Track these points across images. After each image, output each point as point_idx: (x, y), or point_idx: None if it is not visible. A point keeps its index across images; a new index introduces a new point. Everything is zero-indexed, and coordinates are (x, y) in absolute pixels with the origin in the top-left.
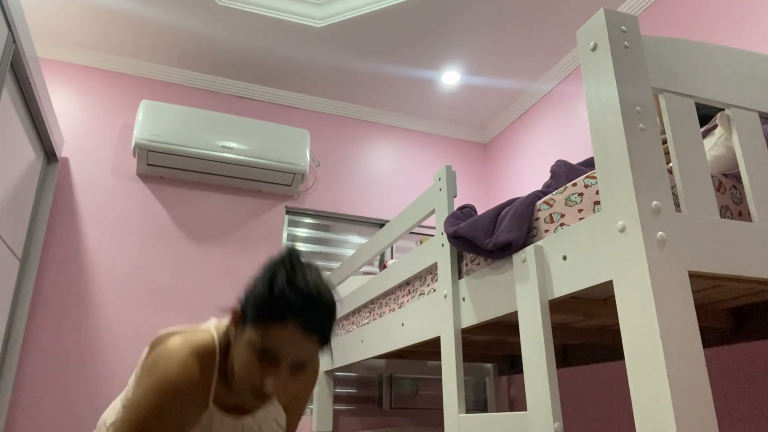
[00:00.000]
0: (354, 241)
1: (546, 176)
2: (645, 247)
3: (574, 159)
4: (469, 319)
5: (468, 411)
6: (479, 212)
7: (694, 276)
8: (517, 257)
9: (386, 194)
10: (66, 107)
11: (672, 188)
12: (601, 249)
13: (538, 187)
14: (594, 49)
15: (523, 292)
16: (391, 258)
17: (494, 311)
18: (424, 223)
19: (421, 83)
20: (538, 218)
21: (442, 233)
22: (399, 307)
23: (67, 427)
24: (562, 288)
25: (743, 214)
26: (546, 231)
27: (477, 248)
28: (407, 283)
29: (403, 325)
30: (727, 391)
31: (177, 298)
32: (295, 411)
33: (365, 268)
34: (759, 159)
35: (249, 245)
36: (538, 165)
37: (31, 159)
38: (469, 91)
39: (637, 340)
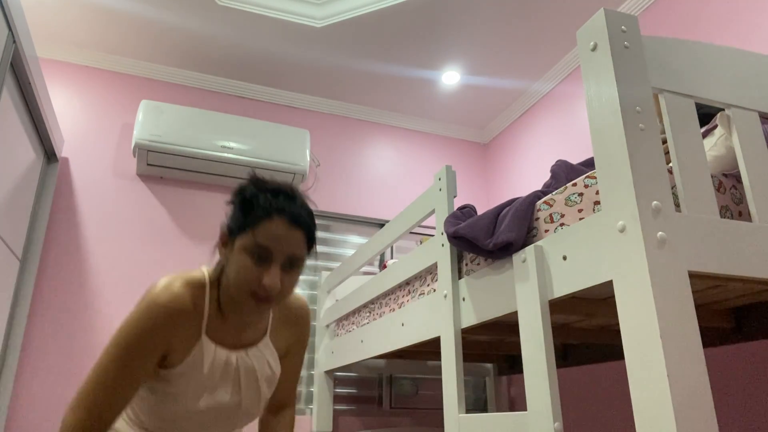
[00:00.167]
0: (354, 241)
1: (546, 176)
2: (645, 247)
3: (574, 159)
4: (469, 319)
5: (468, 411)
6: (479, 212)
7: (694, 276)
8: (517, 257)
9: (386, 194)
10: (66, 107)
11: (672, 188)
12: (601, 249)
13: (538, 187)
14: (594, 49)
15: (523, 292)
16: (391, 258)
17: (494, 311)
18: (424, 223)
19: (421, 83)
20: (538, 218)
21: (442, 233)
22: (399, 307)
23: None
24: (562, 288)
25: (743, 214)
26: (546, 231)
27: (477, 248)
28: (407, 283)
29: (403, 325)
30: (727, 391)
31: None
32: (291, 369)
33: (365, 268)
34: (759, 159)
35: None
36: (538, 165)
37: (31, 159)
38: (469, 91)
39: (637, 340)
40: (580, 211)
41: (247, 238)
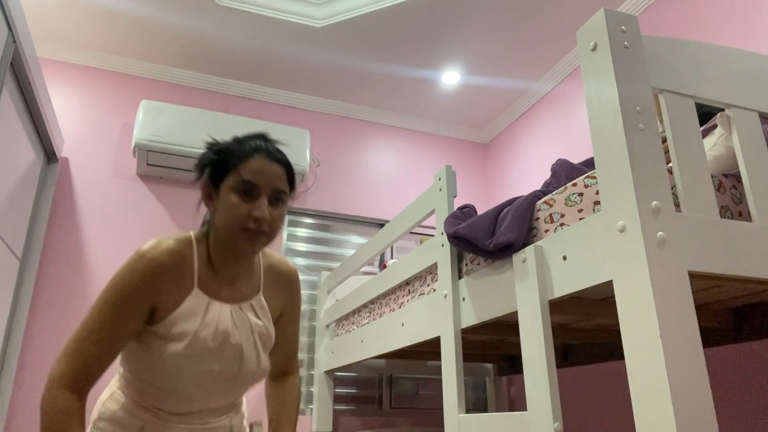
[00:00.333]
0: (354, 241)
1: (546, 176)
2: (645, 247)
3: (574, 159)
4: (469, 319)
5: (468, 411)
6: (479, 212)
7: (694, 276)
8: (517, 257)
9: (386, 194)
10: (66, 107)
11: (672, 188)
12: (601, 249)
13: (539, 187)
14: (594, 49)
15: (523, 292)
16: (391, 258)
17: (494, 311)
18: (424, 223)
19: (421, 83)
20: (538, 218)
21: (442, 233)
22: (399, 307)
23: None
24: (562, 288)
25: (743, 214)
26: (546, 231)
27: (477, 249)
28: (407, 283)
29: (403, 325)
30: (727, 391)
31: None
32: (288, 333)
33: (365, 268)
34: (759, 159)
35: None
36: (538, 165)
37: (31, 159)
38: (469, 91)
39: (637, 340)
40: (580, 211)
41: (232, 178)
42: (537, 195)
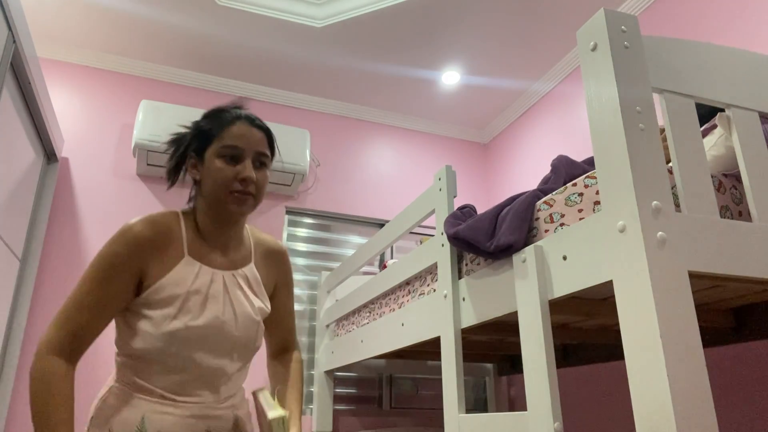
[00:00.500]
0: (354, 241)
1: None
2: (645, 247)
3: (575, 159)
4: (469, 319)
5: (468, 411)
6: (479, 212)
7: (694, 276)
8: (517, 257)
9: (386, 194)
10: (66, 107)
11: (672, 188)
12: (601, 249)
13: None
14: (594, 49)
15: (523, 292)
16: (391, 258)
17: (494, 311)
18: (424, 223)
19: (421, 83)
20: (538, 218)
21: (442, 233)
22: (399, 307)
23: None
24: (562, 288)
25: (743, 214)
26: (546, 231)
27: (478, 250)
28: (407, 283)
29: (403, 325)
30: (727, 391)
31: None
32: (284, 309)
33: (365, 268)
34: (759, 159)
35: None
36: (538, 165)
37: (31, 159)
38: (469, 91)
39: (637, 340)
40: (580, 211)
41: (215, 145)
42: (536, 194)
